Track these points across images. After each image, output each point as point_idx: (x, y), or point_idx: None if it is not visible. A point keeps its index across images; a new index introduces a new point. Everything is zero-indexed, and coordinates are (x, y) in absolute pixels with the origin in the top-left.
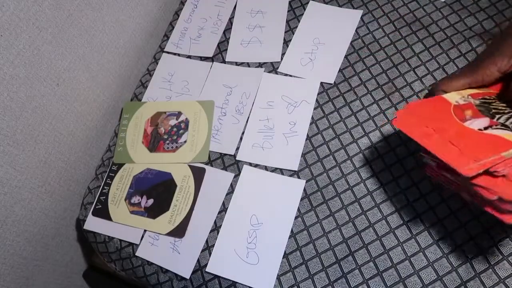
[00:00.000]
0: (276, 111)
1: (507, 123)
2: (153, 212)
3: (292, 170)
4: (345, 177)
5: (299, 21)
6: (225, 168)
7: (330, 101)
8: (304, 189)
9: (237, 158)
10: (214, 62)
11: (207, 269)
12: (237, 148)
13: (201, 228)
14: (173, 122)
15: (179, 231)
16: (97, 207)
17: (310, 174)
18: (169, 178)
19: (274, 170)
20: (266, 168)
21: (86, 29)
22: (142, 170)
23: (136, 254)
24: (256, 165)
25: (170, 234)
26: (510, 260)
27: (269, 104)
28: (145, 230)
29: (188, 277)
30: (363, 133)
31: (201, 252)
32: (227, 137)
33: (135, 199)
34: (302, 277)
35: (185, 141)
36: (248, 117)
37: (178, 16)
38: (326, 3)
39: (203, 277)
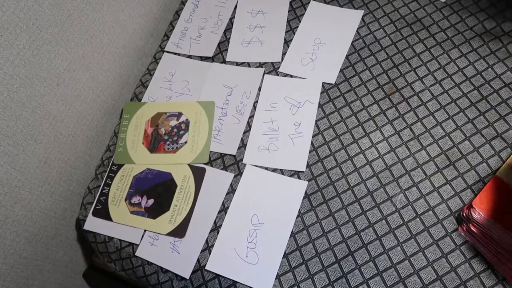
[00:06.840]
0: (280, 113)
1: None
2: (154, 212)
3: (300, 171)
4: (345, 177)
5: (300, 21)
6: (225, 168)
7: (331, 101)
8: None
9: (243, 162)
10: (214, 62)
11: (207, 267)
12: (239, 148)
13: (201, 228)
14: (173, 122)
15: (179, 231)
16: (97, 207)
17: (310, 174)
18: (169, 178)
19: (274, 170)
20: (266, 168)
21: (86, 29)
22: (142, 170)
23: (136, 254)
24: (261, 167)
25: (171, 234)
26: None
27: (272, 106)
28: (145, 230)
29: (188, 277)
30: (364, 133)
31: (201, 252)
32: (228, 137)
33: (135, 199)
34: (302, 277)
35: (185, 142)
36: (250, 118)
37: (179, 16)
38: (327, 3)
39: (203, 277)
